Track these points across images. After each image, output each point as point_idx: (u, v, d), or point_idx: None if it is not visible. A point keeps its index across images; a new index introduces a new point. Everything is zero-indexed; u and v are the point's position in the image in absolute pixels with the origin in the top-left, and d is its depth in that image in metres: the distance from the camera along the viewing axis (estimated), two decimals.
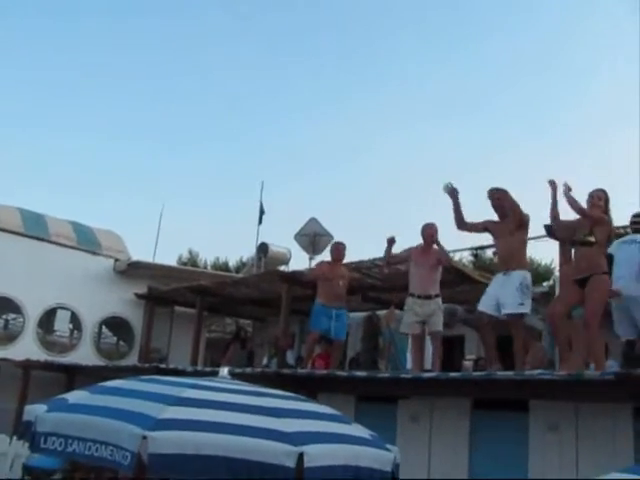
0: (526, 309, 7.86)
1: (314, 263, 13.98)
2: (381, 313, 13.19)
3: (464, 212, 8.28)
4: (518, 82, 47.77)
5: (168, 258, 30.51)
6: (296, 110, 54.22)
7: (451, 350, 12.52)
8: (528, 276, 7.94)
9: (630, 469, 1.46)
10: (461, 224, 8.29)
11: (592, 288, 7.04)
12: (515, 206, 7.85)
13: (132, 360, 16.04)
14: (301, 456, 3.81)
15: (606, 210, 7.31)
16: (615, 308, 7.43)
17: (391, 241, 9.09)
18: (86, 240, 16.97)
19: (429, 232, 8.94)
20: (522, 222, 7.94)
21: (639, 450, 6.75)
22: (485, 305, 7.96)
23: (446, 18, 46.74)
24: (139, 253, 17.90)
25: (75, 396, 4.46)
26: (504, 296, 7.84)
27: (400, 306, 9.91)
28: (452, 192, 8.26)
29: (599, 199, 7.28)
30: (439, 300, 8.92)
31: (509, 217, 7.98)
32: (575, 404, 7.42)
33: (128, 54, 50.06)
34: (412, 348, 9.33)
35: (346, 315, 10.22)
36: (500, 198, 7.99)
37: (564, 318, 7.33)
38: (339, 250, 10.25)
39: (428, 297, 8.80)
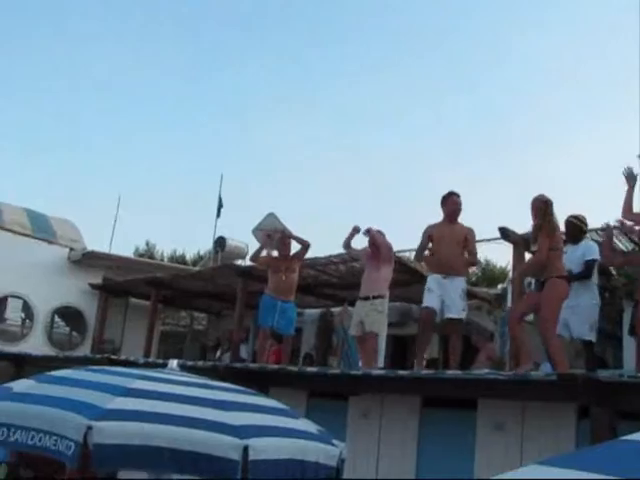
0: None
1: None
2: (336, 310, 13.28)
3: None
4: None
5: (124, 249, 30.30)
6: (259, 104, 53.92)
7: (404, 349, 12.64)
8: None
9: (548, 461, 1.50)
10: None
11: (548, 291, 7.16)
12: None
13: (84, 351, 15.83)
14: (246, 449, 3.84)
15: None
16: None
17: (355, 229, 9.21)
18: (41, 228, 16.74)
19: (371, 241, 9.09)
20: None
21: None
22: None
23: None
24: (95, 243, 17.74)
25: (20, 385, 4.41)
26: (449, 299, 8.29)
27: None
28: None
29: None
30: (377, 301, 8.97)
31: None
32: (522, 403, 7.55)
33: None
34: (358, 348, 9.46)
35: (294, 310, 10.24)
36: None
37: (520, 320, 7.51)
38: (286, 244, 10.28)
39: (366, 298, 8.94)
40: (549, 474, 1.42)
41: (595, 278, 8.28)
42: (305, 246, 10.13)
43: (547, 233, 7.30)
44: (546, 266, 7.24)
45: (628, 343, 10.64)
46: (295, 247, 10.25)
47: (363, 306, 8.94)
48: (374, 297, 8.95)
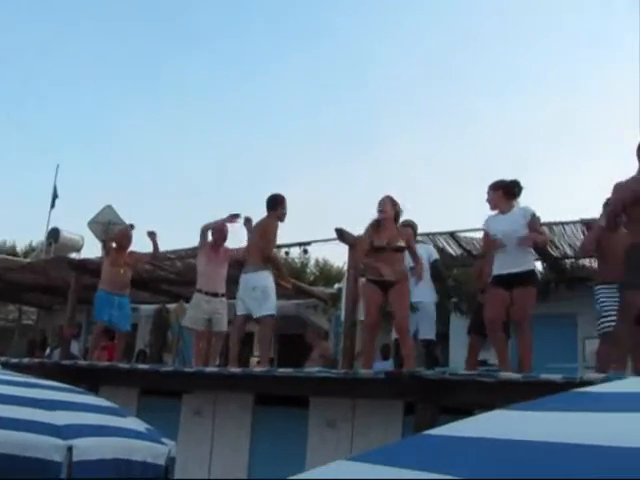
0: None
1: None
2: (171, 307, 13.13)
3: None
4: None
5: None
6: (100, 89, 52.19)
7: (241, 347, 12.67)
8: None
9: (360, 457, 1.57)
10: None
11: (401, 291, 7.32)
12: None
13: None
14: (70, 449, 3.72)
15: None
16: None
17: (234, 217, 8.91)
18: None
19: (220, 234, 9.02)
20: None
21: None
22: None
23: None
24: None
25: None
26: None
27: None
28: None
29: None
30: (224, 299, 8.99)
31: None
32: (352, 401, 7.76)
33: None
34: (195, 344, 9.32)
35: (130, 305, 10.01)
36: None
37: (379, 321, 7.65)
38: (127, 237, 10.02)
39: (215, 295, 8.87)
40: (350, 470, 1.49)
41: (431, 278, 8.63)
42: (154, 254, 9.92)
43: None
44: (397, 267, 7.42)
45: (454, 342, 11.21)
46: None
47: (211, 302, 8.81)
48: (222, 295, 8.93)
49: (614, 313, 6.84)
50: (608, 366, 6.96)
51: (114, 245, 9.89)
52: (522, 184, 7.19)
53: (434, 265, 8.38)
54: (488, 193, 7.19)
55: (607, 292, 6.94)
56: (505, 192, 7.08)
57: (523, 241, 6.81)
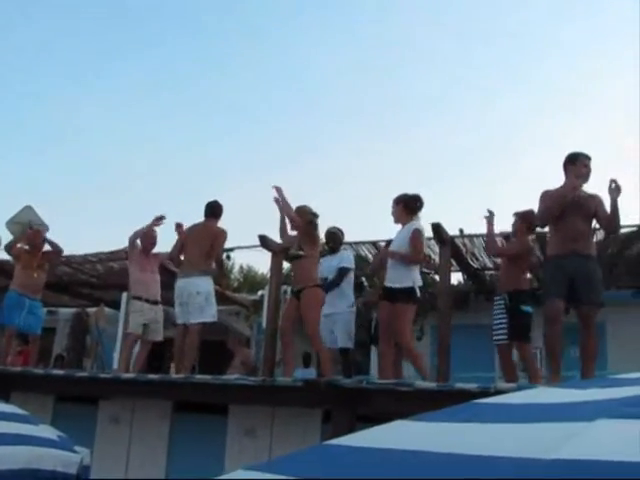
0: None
1: None
2: (91, 310, 12.89)
3: None
4: None
5: None
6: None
7: (162, 353, 12.54)
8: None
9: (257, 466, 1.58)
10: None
11: (308, 300, 7.35)
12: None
13: None
14: None
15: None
16: None
17: (160, 219, 8.72)
18: None
19: (150, 240, 8.87)
20: None
21: None
22: None
23: None
24: None
25: None
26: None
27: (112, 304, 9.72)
28: None
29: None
30: (161, 307, 8.89)
31: None
32: (271, 409, 7.74)
33: None
34: (125, 349, 9.11)
35: (42, 308, 9.77)
36: None
37: (290, 330, 7.68)
38: (35, 236, 9.72)
39: (155, 302, 8.75)
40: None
41: (350, 286, 8.62)
42: (56, 251, 9.68)
43: (314, 243, 7.62)
44: (304, 275, 7.46)
45: (375, 351, 11.30)
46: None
47: (152, 309, 8.68)
48: (160, 302, 8.83)
49: (501, 325, 7.14)
50: (513, 375, 7.21)
51: (26, 247, 9.63)
52: (423, 199, 7.28)
53: (339, 272, 8.38)
54: (392, 206, 7.30)
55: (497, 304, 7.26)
56: (405, 206, 7.19)
57: (389, 255, 7.13)
